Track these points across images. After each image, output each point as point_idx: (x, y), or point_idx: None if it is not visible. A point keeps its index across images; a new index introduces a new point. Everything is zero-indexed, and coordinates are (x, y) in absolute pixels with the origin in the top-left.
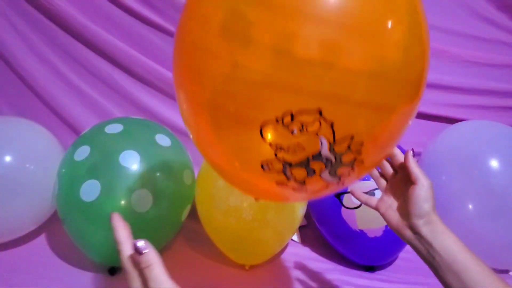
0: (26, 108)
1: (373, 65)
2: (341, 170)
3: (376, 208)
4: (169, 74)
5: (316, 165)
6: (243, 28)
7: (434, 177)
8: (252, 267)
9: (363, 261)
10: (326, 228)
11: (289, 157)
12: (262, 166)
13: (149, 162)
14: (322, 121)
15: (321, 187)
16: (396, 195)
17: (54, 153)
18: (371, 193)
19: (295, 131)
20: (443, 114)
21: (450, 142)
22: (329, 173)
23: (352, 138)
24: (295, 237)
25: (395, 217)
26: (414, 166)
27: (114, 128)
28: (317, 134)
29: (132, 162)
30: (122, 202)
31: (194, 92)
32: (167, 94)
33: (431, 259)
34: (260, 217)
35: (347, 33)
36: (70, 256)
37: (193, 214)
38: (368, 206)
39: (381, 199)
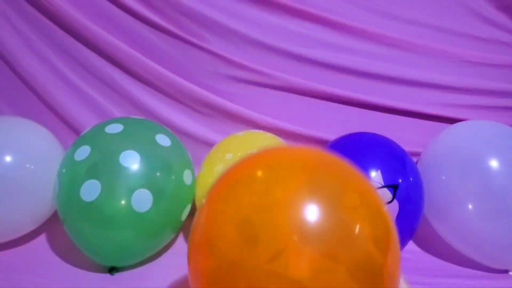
0: (26, 108)
1: None
2: None
3: None
4: (169, 74)
5: None
6: None
7: (434, 177)
8: None
9: None
10: None
11: None
12: None
13: (149, 162)
14: None
15: None
16: None
17: (54, 153)
18: None
19: None
20: (443, 114)
21: (450, 142)
22: None
23: None
24: None
25: None
26: None
27: (114, 128)
28: None
29: (132, 162)
30: (122, 202)
31: None
32: (167, 94)
33: None
34: None
35: None
36: (70, 256)
37: (193, 214)
38: None
39: None
